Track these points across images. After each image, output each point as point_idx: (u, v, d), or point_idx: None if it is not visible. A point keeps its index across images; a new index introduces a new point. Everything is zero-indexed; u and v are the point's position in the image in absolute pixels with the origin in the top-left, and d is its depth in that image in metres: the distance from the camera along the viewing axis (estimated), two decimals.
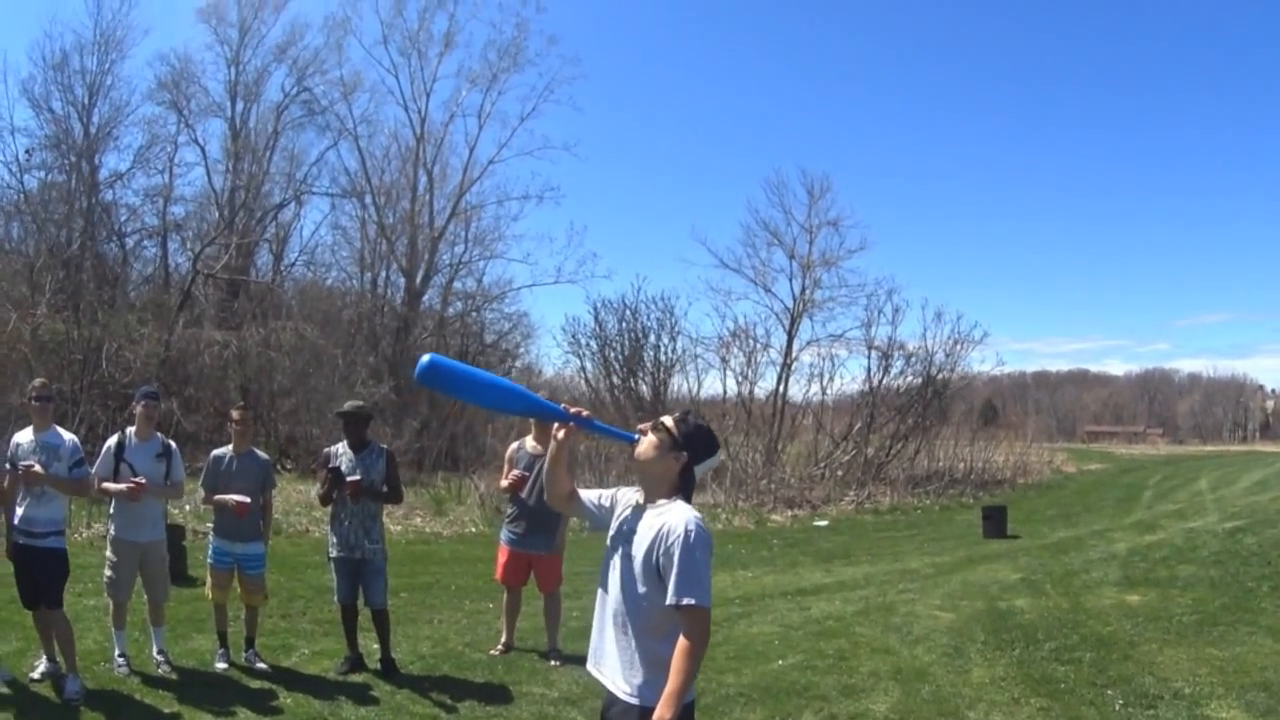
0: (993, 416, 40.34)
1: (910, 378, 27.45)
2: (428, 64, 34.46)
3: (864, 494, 23.29)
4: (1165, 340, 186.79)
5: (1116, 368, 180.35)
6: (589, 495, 3.88)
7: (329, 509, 7.73)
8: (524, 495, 8.14)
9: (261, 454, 7.87)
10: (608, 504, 3.81)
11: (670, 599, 3.34)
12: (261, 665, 7.56)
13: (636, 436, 3.65)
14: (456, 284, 35.10)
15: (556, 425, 3.74)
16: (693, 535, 3.37)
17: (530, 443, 8.29)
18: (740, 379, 27.95)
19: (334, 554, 7.63)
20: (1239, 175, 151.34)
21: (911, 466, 26.31)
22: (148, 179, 28.88)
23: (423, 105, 34.35)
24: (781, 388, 28.45)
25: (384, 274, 34.41)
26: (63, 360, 17.42)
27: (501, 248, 35.23)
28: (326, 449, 7.94)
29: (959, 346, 27.58)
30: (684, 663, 3.33)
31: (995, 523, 17.19)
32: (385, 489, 7.67)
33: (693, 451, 3.57)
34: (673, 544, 3.37)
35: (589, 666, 3.73)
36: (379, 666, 7.66)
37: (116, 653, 7.23)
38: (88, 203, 25.52)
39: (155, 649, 7.42)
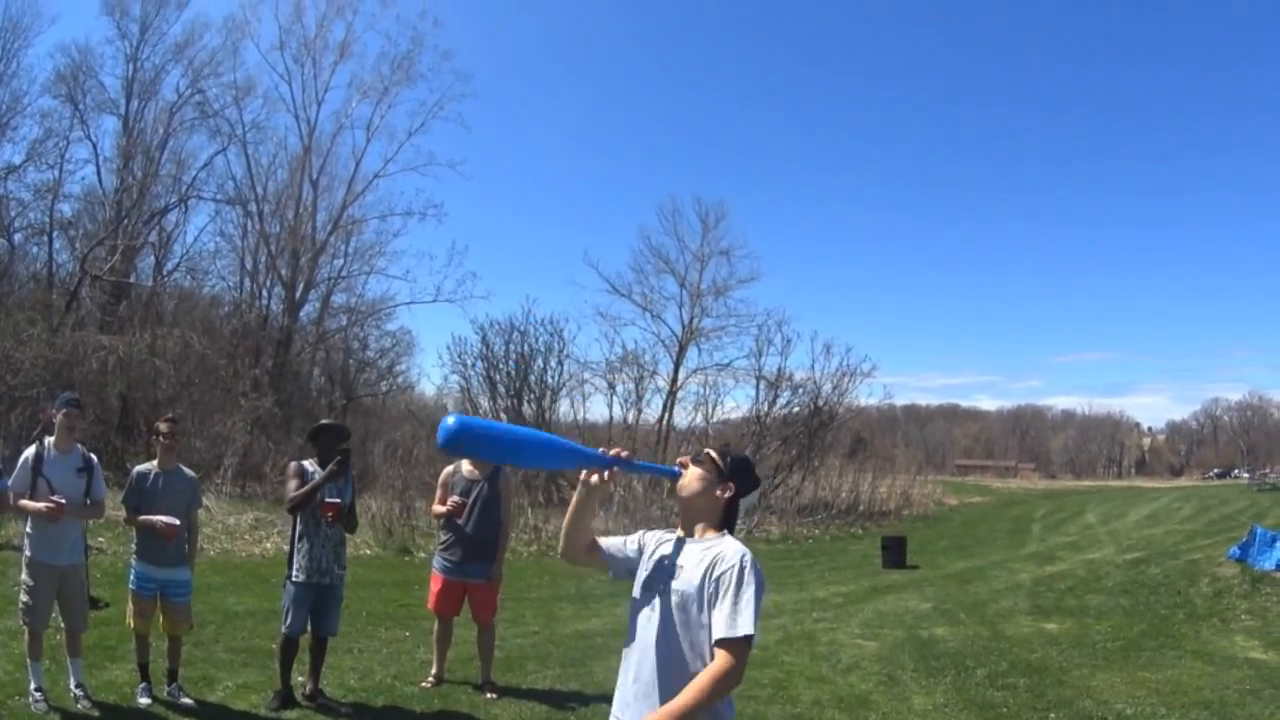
0: (861, 448, 40.93)
1: (796, 408, 27.62)
2: (321, 73, 34.14)
3: (753, 522, 23.33)
4: (1038, 377, 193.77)
5: (987, 403, 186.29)
6: (612, 543, 3.65)
7: (294, 533, 7.18)
8: (461, 521, 7.79)
9: (188, 471, 7.27)
10: (634, 549, 3.58)
11: (719, 632, 3.14)
12: (187, 700, 6.97)
13: (678, 470, 3.48)
14: (335, 298, 34.48)
15: (586, 471, 3.47)
16: (747, 569, 3.21)
17: (466, 466, 7.94)
18: (626, 405, 27.89)
19: (299, 579, 7.05)
20: (1119, 216, 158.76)
21: (798, 496, 26.46)
22: (39, 174, 27.98)
23: (313, 115, 33.97)
24: (667, 414, 28.49)
25: (264, 285, 33.52)
26: None
27: (382, 263, 35.08)
28: (295, 462, 7.37)
29: (846, 379, 27.91)
30: (707, 684, 3.11)
31: (895, 553, 17.39)
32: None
33: (739, 483, 3.43)
34: (723, 575, 3.21)
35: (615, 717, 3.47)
36: (306, 697, 7.21)
37: (32, 686, 6.54)
38: None
39: (73, 683, 6.73)
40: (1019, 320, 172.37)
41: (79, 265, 26.11)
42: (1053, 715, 7.55)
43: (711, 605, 3.20)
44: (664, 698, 3.21)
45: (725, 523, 3.43)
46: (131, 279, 28.41)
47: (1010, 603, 12.86)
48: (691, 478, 3.42)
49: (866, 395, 30.86)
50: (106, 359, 21.40)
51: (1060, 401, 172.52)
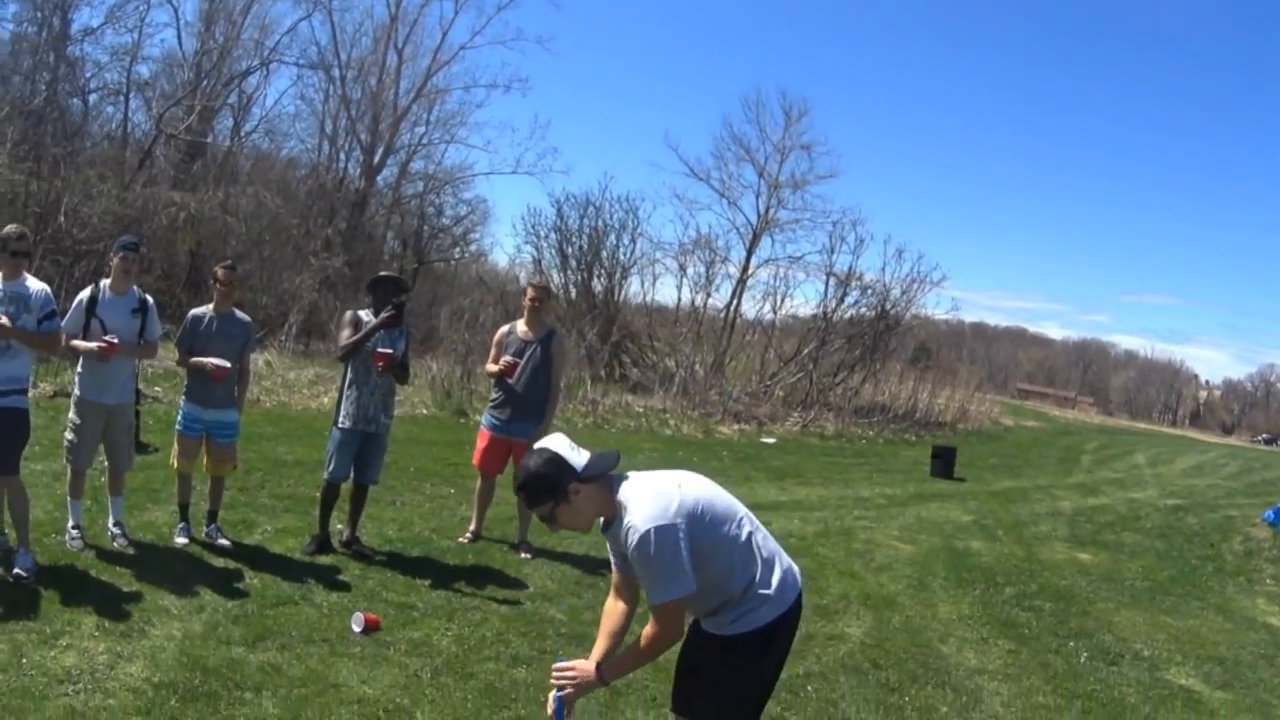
0: (926, 359, 40.52)
1: (864, 309, 27.35)
2: None
3: (809, 416, 23.37)
4: (1105, 313, 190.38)
5: (1054, 331, 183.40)
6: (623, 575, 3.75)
7: (343, 381, 7.34)
8: (512, 381, 7.89)
9: (242, 315, 7.35)
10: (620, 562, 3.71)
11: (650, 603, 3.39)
12: (224, 541, 7.17)
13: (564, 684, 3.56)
14: (414, 165, 34.54)
15: None
16: (645, 549, 3.31)
17: (521, 327, 8.07)
18: (696, 288, 27.81)
19: (345, 425, 7.22)
20: (1204, 167, 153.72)
21: (856, 397, 26.43)
22: (117, 37, 27.74)
23: None
24: (735, 302, 28.34)
25: (343, 149, 33.64)
26: (18, 213, 16.43)
27: (463, 133, 34.95)
28: (351, 311, 7.52)
29: (916, 286, 27.51)
30: (646, 647, 3.45)
31: (944, 463, 17.32)
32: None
33: (572, 478, 3.39)
34: (633, 556, 3.38)
35: None
36: (343, 544, 7.46)
37: (70, 524, 6.75)
38: (54, 56, 24.32)
39: (111, 521, 6.93)
40: (1093, 252, 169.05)
41: (155, 124, 26.15)
42: (1072, 644, 7.55)
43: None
44: (710, 625, 3.60)
45: (608, 485, 3.45)
46: (208, 140, 28.51)
47: (1049, 528, 12.80)
48: (565, 521, 3.47)
49: (934, 305, 30.44)
50: (177, 215, 21.56)
51: (1125, 340, 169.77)
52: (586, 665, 3.51)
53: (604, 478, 3.44)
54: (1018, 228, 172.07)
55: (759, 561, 3.50)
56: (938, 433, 25.47)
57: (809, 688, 5.94)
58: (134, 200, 20.81)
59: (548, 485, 3.38)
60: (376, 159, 32.90)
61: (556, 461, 3.38)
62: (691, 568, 3.32)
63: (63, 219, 17.34)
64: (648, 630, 3.41)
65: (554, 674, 3.57)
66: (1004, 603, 8.59)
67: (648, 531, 3.28)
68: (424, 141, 34.37)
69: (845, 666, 6.40)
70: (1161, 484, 20.33)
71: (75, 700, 4.53)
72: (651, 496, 3.37)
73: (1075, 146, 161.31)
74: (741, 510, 3.57)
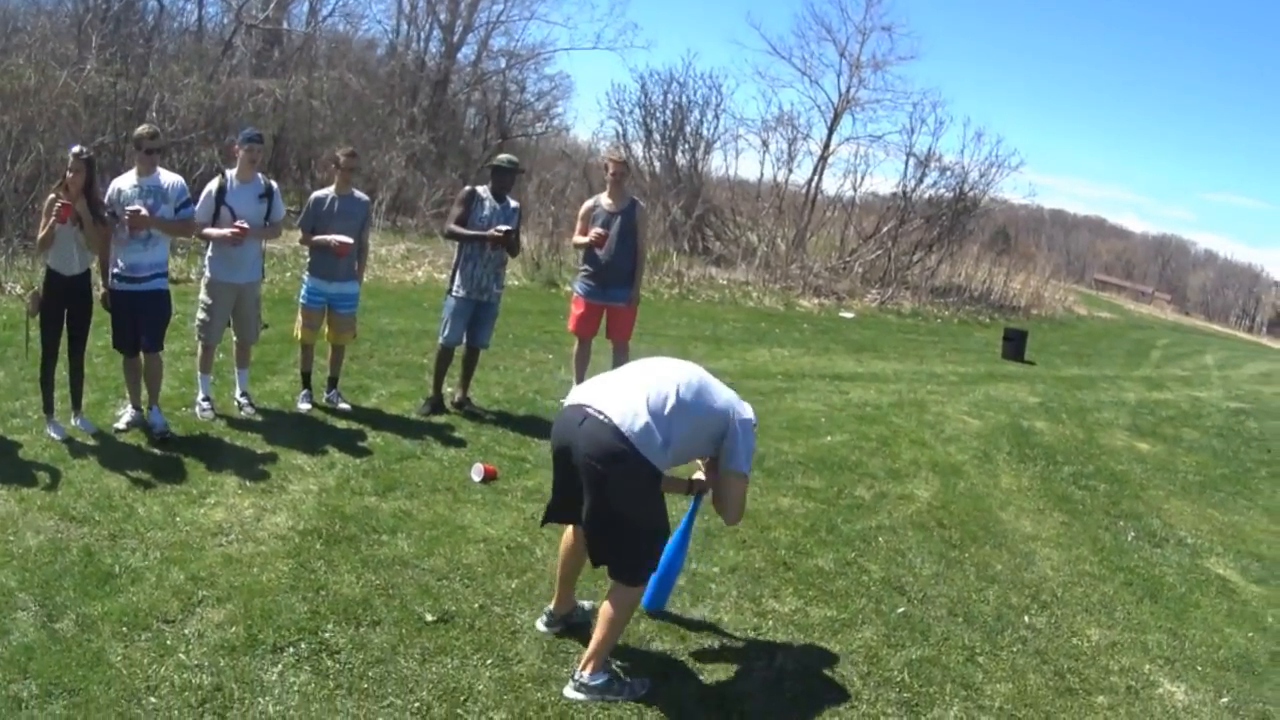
0: (1005, 244, 40.24)
1: (942, 190, 27.40)
2: None
3: (887, 294, 23.79)
4: (1187, 209, 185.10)
5: (1134, 224, 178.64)
6: None
7: (459, 253, 7.99)
8: (601, 252, 8.36)
9: (361, 195, 7.88)
10: None
11: None
12: (344, 405, 7.84)
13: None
14: (494, 42, 34.54)
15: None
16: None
17: (605, 199, 8.49)
18: (778, 164, 28.02)
19: (460, 294, 7.90)
20: None
21: (933, 277, 26.77)
22: None
23: None
24: (816, 178, 28.46)
25: (423, 28, 33.74)
26: (108, 112, 16.86)
27: (542, 9, 34.73)
28: (469, 188, 8.11)
29: (994, 169, 27.43)
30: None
31: (1015, 345, 17.60)
32: None
33: None
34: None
35: None
36: (455, 404, 8.18)
37: (200, 396, 7.33)
38: None
39: (238, 391, 7.57)
40: (1175, 146, 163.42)
41: (233, 15, 26.34)
42: (1121, 523, 7.99)
43: None
44: None
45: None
46: (285, 27, 28.66)
47: (1111, 415, 13.08)
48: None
49: (1012, 189, 30.19)
50: (263, 102, 21.98)
51: (1205, 239, 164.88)
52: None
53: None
54: (1100, 117, 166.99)
55: None
56: (1011, 316, 25.62)
57: (880, 539, 6.64)
58: (219, 91, 21.08)
59: None
60: (456, 37, 32.95)
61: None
62: None
63: (154, 114, 17.78)
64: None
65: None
66: (1062, 479, 9.08)
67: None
68: (503, 19, 34.26)
69: (913, 523, 7.06)
70: (1227, 386, 20.15)
71: (230, 549, 5.20)
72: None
73: (1163, 37, 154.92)
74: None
